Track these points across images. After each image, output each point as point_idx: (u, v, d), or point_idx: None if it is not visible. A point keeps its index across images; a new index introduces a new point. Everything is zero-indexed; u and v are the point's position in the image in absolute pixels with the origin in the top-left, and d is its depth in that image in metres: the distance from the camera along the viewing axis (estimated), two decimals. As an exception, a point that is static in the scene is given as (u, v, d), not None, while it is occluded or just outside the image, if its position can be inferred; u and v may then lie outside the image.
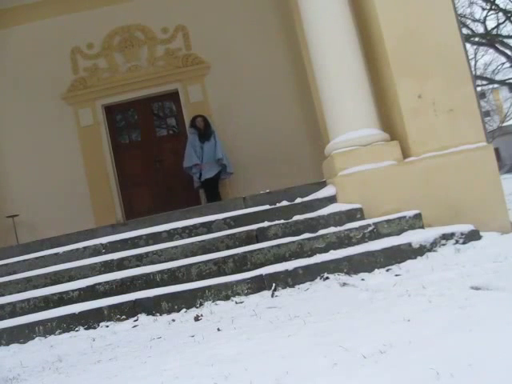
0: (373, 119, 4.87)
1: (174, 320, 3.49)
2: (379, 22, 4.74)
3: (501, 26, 18.54)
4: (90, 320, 3.75)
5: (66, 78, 8.48)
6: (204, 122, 7.68)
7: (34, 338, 3.72)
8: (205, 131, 7.61)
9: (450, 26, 4.74)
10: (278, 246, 4.05)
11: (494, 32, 18.52)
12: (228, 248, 4.29)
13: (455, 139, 4.62)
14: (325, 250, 4.00)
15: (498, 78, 20.88)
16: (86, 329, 3.72)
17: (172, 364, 2.44)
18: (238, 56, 8.27)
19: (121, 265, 4.35)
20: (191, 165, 7.53)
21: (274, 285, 3.67)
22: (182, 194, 8.36)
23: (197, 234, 4.59)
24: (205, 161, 7.48)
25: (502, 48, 18.67)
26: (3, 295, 4.36)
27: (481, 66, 21.46)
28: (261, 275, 3.74)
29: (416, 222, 4.23)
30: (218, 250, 4.29)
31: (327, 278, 3.64)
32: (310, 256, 3.98)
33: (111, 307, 3.77)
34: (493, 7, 18.38)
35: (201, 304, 3.67)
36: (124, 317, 3.72)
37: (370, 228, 4.16)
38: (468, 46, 17.58)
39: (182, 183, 8.43)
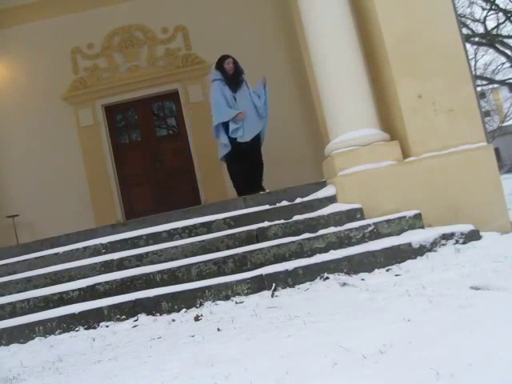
0: (373, 119, 4.87)
1: (174, 320, 3.48)
2: (379, 21, 4.74)
3: (501, 26, 18.58)
4: (90, 320, 3.75)
5: (66, 78, 8.49)
6: (234, 65, 5.90)
7: (34, 338, 3.72)
8: (236, 76, 5.82)
9: (450, 25, 4.73)
10: (278, 246, 4.05)
11: (494, 32, 18.54)
12: (228, 248, 4.28)
13: (455, 139, 4.61)
14: (325, 250, 4.00)
15: (498, 78, 20.90)
16: (86, 329, 3.71)
17: (172, 364, 2.44)
18: (237, 56, 8.23)
19: (121, 265, 4.34)
20: (231, 118, 5.56)
21: (273, 285, 3.66)
22: (182, 194, 8.36)
23: (197, 234, 4.58)
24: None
25: (502, 48, 18.69)
26: (3, 295, 4.35)
27: (481, 66, 21.47)
28: (261, 275, 3.73)
29: (416, 222, 4.23)
30: (218, 250, 4.28)
31: (327, 278, 3.63)
32: (310, 256, 3.98)
33: (111, 307, 3.77)
34: (493, 7, 18.39)
35: (201, 304, 3.67)
36: (124, 317, 3.72)
37: (370, 228, 4.16)
38: (468, 46, 17.59)
39: (182, 183, 8.45)
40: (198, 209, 5.17)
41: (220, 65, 5.89)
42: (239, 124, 5.57)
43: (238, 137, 5.60)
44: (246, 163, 5.66)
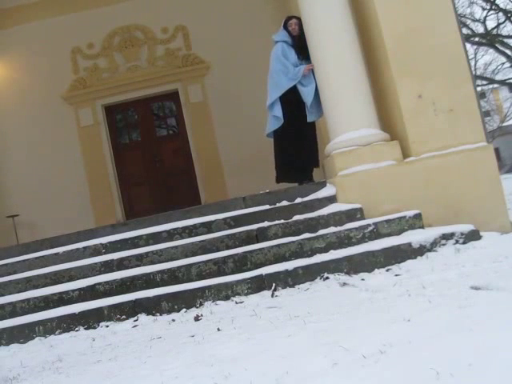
0: (373, 119, 4.86)
1: (174, 320, 3.48)
2: (379, 21, 4.74)
3: (501, 26, 18.60)
4: (90, 320, 3.75)
5: (66, 78, 8.50)
6: (300, 28, 5.05)
7: (34, 338, 3.72)
8: (302, 40, 4.99)
9: (450, 25, 4.73)
10: (278, 245, 4.05)
11: (494, 32, 18.55)
12: (228, 248, 4.29)
13: (455, 139, 4.61)
14: (325, 250, 4.00)
15: (498, 78, 20.91)
16: (86, 329, 3.72)
17: (172, 364, 2.44)
18: (238, 56, 8.27)
19: (121, 265, 4.34)
20: (299, 77, 4.91)
21: (274, 285, 3.66)
22: (182, 194, 8.37)
23: (197, 234, 4.58)
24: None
25: (502, 48, 18.70)
26: (3, 295, 4.35)
27: (481, 66, 21.49)
28: (261, 275, 3.74)
29: (416, 222, 4.23)
30: (218, 249, 4.28)
31: (327, 277, 3.64)
32: (310, 256, 3.98)
33: (111, 307, 3.77)
34: (493, 7, 18.41)
35: (201, 304, 3.67)
36: (124, 317, 3.72)
37: (370, 228, 4.16)
38: (468, 46, 17.60)
39: (182, 183, 8.45)
40: (197, 209, 5.17)
41: (284, 27, 5.13)
42: (308, 83, 4.84)
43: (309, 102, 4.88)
44: (297, 144, 5.02)
